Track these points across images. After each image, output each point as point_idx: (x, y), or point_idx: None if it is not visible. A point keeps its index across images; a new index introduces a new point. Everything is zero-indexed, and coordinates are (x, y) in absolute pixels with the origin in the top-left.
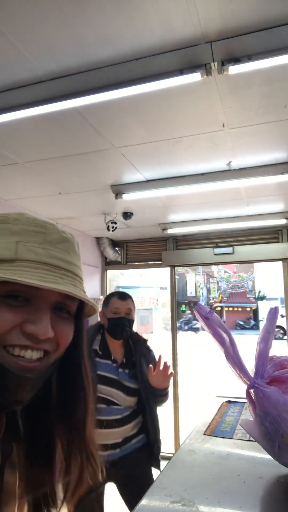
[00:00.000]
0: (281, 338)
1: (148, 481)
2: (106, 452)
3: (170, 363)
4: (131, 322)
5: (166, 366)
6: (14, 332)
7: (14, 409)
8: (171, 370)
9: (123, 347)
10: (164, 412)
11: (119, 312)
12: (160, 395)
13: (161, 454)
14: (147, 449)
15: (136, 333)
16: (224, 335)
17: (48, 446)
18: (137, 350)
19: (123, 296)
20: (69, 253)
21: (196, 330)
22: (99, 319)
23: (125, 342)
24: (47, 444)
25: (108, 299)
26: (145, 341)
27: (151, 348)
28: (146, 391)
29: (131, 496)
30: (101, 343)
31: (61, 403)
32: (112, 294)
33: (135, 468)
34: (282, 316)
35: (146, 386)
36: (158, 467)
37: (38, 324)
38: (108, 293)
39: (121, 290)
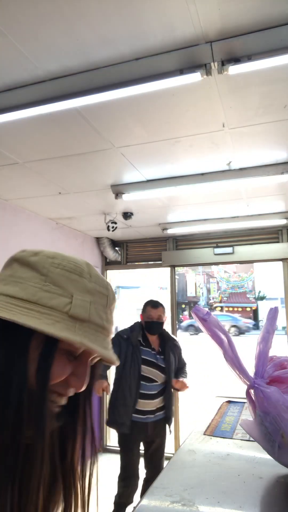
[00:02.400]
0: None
1: (163, 444)
2: (145, 416)
3: (175, 338)
4: (160, 324)
5: (178, 387)
6: (61, 382)
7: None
8: (185, 383)
9: (159, 340)
10: None
11: (151, 317)
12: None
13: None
14: (166, 419)
15: (167, 332)
16: (222, 336)
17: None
18: (167, 344)
19: (155, 305)
20: (113, 312)
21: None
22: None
23: (160, 336)
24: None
25: (145, 307)
26: (173, 339)
27: (178, 344)
28: (169, 374)
29: (153, 453)
30: (143, 337)
31: (63, 440)
32: (147, 303)
33: (160, 431)
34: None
35: (169, 371)
36: (169, 424)
37: (81, 378)
38: (145, 302)
39: (154, 299)
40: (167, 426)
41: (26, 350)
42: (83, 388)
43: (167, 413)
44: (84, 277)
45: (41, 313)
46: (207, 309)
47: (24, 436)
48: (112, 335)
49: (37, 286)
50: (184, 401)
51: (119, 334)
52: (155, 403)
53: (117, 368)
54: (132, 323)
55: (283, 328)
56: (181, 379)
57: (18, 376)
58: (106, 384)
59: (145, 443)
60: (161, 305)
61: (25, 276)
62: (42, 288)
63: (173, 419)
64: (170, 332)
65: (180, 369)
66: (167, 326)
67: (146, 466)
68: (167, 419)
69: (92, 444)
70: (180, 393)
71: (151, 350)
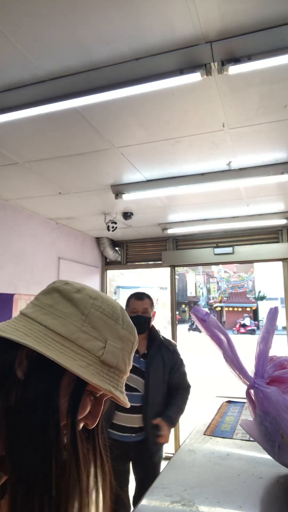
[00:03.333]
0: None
1: (157, 464)
2: (125, 434)
3: (170, 341)
4: (146, 318)
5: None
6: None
7: None
8: (165, 433)
9: (146, 340)
10: None
11: (136, 311)
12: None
13: (164, 452)
14: (144, 442)
15: (157, 331)
16: (222, 336)
17: None
18: (153, 345)
19: (139, 297)
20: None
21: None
22: None
23: (148, 336)
24: None
25: (128, 300)
26: (161, 340)
27: (171, 348)
28: (147, 380)
29: (144, 473)
30: None
31: None
32: (131, 296)
33: (146, 453)
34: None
35: (149, 377)
36: (150, 448)
37: (95, 417)
38: (129, 296)
39: (139, 290)
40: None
41: (58, 386)
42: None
43: (146, 433)
44: (118, 323)
45: (76, 353)
46: (206, 309)
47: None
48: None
49: (76, 325)
50: None
51: None
52: (137, 419)
53: None
54: None
55: (283, 328)
56: (162, 422)
57: (52, 410)
58: None
59: (133, 464)
60: (147, 296)
61: (66, 312)
62: (80, 328)
63: (159, 441)
64: (170, 334)
65: (176, 390)
66: (167, 328)
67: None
68: (144, 441)
69: (103, 467)
70: None
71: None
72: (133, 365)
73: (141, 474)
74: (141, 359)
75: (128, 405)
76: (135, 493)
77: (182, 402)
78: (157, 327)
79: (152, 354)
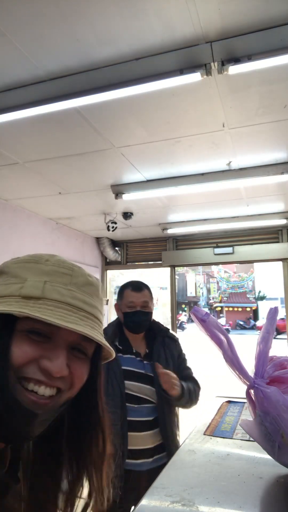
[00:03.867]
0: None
1: None
2: (140, 461)
3: (173, 333)
4: (148, 314)
5: (164, 377)
6: (31, 366)
7: (20, 444)
8: (170, 376)
9: (145, 338)
10: None
11: (134, 305)
12: (171, 399)
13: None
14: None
15: (157, 322)
16: (222, 337)
17: (54, 478)
18: (156, 341)
19: (137, 287)
20: (92, 296)
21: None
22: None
23: (147, 333)
24: (53, 476)
25: (122, 291)
26: (166, 330)
27: (176, 338)
28: (158, 384)
29: None
30: (121, 337)
31: (74, 440)
32: (126, 286)
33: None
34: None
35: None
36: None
37: (54, 361)
38: (121, 285)
39: (135, 280)
40: None
41: None
42: (63, 373)
43: (167, 452)
44: (40, 263)
45: None
46: (206, 309)
47: None
48: (103, 325)
49: None
50: None
51: None
52: (153, 437)
53: None
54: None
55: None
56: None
57: None
58: None
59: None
60: (146, 287)
61: None
62: (2, 284)
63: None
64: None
65: (182, 377)
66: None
67: None
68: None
69: (104, 442)
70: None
71: (134, 355)
72: (135, 372)
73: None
74: (145, 362)
75: (111, 353)
76: None
77: (193, 386)
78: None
79: (157, 352)
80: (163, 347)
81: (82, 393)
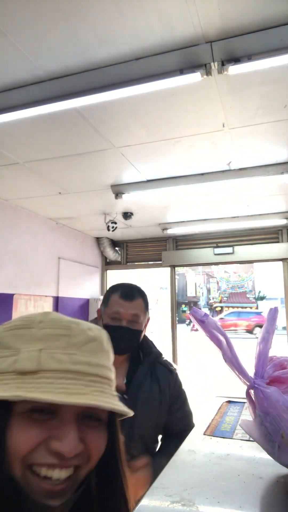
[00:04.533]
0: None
1: None
2: None
3: (170, 361)
4: (136, 333)
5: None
6: (40, 450)
7: None
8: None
9: (128, 362)
10: None
11: (119, 318)
12: None
13: None
14: None
15: (148, 340)
16: (221, 337)
17: None
18: (142, 366)
19: (129, 295)
20: (96, 354)
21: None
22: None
23: (132, 355)
24: None
25: (108, 295)
26: (159, 355)
27: (172, 368)
28: (131, 433)
29: None
30: None
31: (101, 504)
32: (115, 289)
33: None
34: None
35: (138, 430)
36: None
37: (64, 440)
38: (110, 287)
39: (128, 283)
40: None
41: None
42: (77, 451)
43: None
44: (32, 327)
45: None
46: (207, 309)
47: None
48: (113, 382)
49: None
50: None
51: None
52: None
53: None
54: None
55: (283, 328)
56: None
57: None
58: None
59: None
60: (140, 294)
61: None
62: None
63: None
64: (170, 336)
65: (176, 434)
66: (165, 334)
67: None
68: None
69: None
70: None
71: None
72: None
73: None
74: (124, 395)
75: (129, 413)
76: None
77: (174, 450)
78: (149, 336)
79: (138, 381)
80: (150, 375)
81: (103, 459)
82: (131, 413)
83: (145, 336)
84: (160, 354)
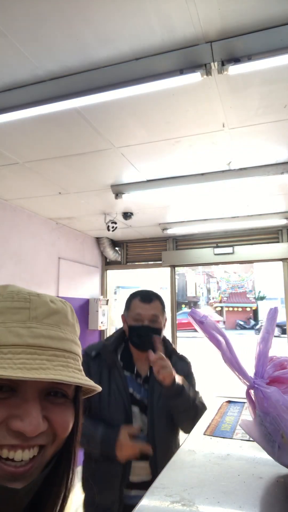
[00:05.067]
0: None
1: None
2: (132, 492)
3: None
4: (156, 331)
5: (154, 359)
6: (0, 430)
7: None
8: (160, 360)
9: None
10: None
11: (141, 318)
12: (168, 396)
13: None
14: None
15: (167, 340)
16: (220, 338)
17: None
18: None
19: (147, 298)
20: (59, 327)
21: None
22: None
23: (154, 351)
24: None
25: (129, 301)
26: (175, 351)
27: (187, 360)
28: (151, 417)
29: None
30: (124, 352)
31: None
32: (134, 295)
33: None
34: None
35: (153, 411)
36: None
37: (25, 419)
38: (130, 294)
39: (145, 289)
40: None
41: None
42: (40, 430)
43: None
44: None
45: None
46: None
47: None
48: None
49: None
50: None
51: (86, 352)
52: (142, 470)
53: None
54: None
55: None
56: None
57: None
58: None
59: None
60: (157, 297)
61: None
62: None
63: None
64: (170, 337)
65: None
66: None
67: None
68: None
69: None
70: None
71: (134, 376)
72: (130, 394)
73: None
74: (142, 387)
75: (96, 388)
76: None
77: (199, 400)
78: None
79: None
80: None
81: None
82: (98, 388)
83: (164, 337)
84: (176, 351)
